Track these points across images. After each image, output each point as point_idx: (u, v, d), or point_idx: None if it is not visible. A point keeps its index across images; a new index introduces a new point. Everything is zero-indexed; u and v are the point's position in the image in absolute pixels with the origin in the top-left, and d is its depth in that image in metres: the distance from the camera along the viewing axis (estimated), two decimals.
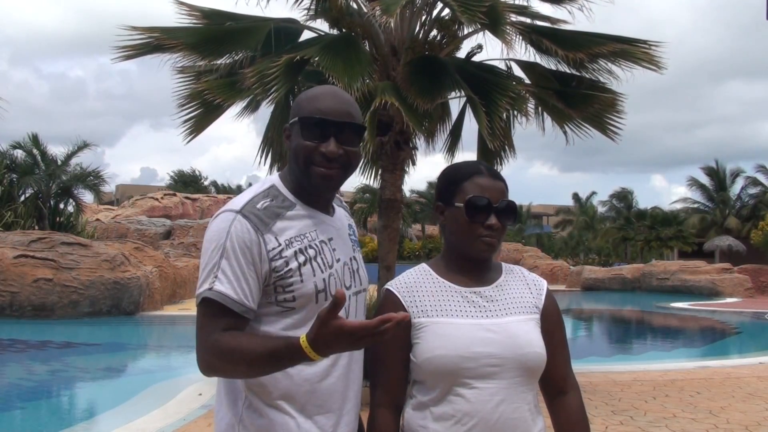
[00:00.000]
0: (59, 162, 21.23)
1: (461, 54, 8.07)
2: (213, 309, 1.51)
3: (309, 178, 1.61)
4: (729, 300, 23.02)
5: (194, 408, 6.39)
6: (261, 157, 7.93)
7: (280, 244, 1.55)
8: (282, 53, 6.46)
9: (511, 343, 1.63)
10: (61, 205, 21.37)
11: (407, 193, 36.93)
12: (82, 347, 11.65)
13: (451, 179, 1.75)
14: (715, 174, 39.75)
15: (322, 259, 1.61)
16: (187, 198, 32.98)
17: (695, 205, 40.82)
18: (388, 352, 1.67)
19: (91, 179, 21.64)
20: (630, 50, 7.19)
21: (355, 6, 7.58)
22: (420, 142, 8.16)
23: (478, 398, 1.60)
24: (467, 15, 5.98)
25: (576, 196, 49.85)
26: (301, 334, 1.40)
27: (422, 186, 40.42)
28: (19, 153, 20.91)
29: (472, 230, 1.67)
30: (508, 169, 8.63)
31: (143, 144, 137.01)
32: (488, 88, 6.87)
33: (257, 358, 1.44)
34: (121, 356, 11.29)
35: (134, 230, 26.12)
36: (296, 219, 1.61)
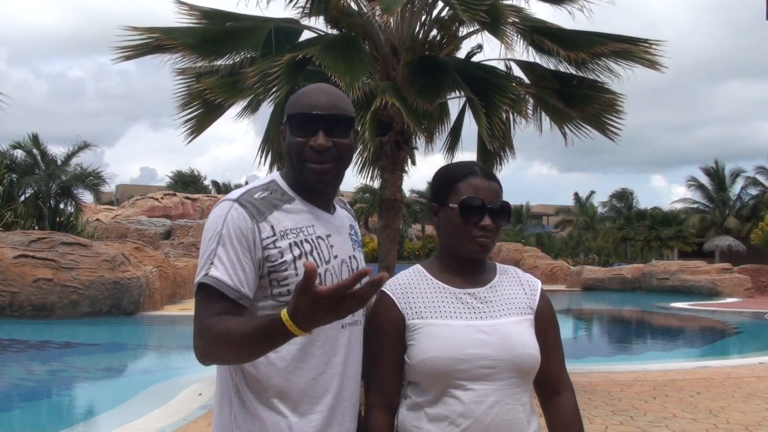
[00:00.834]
0: (59, 162, 21.23)
1: (461, 54, 8.08)
2: (209, 295, 1.51)
3: (303, 174, 1.62)
4: (729, 300, 23.01)
5: (194, 408, 6.39)
6: (261, 156, 7.94)
7: (274, 234, 1.56)
8: (283, 53, 6.46)
9: (505, 345, 1.63)
10: (61, 205, 21.36)
11: (407, 193, 36.98)
12: (82, 347, 11.65)
13: (445, 180, 1.75)
14: (715, 174, 39.76)
15: (318, 254, 1.61)
16: (187, 198, 32.98)
17: (695, 206, 40.84)
18: (382, 353, 1.67)
19: (91, 179, 21.64)
20: (631, 50, 7.20)
21: (354, 6, 7.59)
22: (420, 142, 8.17)
23: (473, 400, 1.60)
24: (468, 14, 5.98)
25: (576, 196, 49.89)
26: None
27: (422, 186, 40.50)
28: (19, 153, 20.93)
29: (466, 231, 1.68)
30: (507, 169, 8.64)
31: (142, 144, 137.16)
32: (488, 89, 6.87)
33: (243, 339, 1.43)
34: (121, 356, 11.29)
35: (134, 230, 26.11)
36: (294, 212, 1.62)
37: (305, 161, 1.61)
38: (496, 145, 6.83)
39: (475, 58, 7.93)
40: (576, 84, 7.74)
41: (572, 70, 7.72)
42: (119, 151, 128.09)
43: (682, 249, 37.94)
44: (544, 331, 1.73)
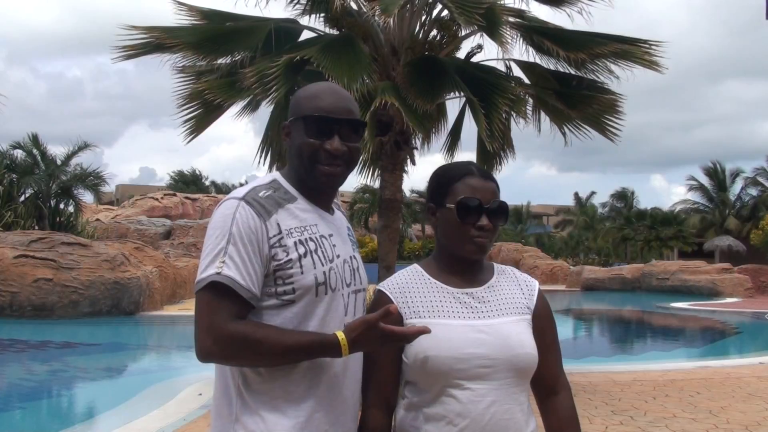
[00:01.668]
0: (59, 162, 21.23)
1: (461, 54, 8.08)
2: (220, 294, 1.50)
3: (313, 176, 1.63)
4: (729, 300, 22.99)
5: (194, 408, 6.39)
6: (260, 156, 7.94)
7: (280, 232, 1.56)
8: (282, 53, 6.46)
9: (502, 344, 1.63)
10: (61, 205, 21.36)
11: (407, 193, 36.96)
12: (82, 347, 11.65)
13: (442, 180, 1.75)
14: (715, 174, 39.78)
15: (322, 252, 1.61)
16: (187, 198, 32.99)
17: (695, 206, 40.86)
18: (380, 353, 1.67)
19: (91, 179, 21.64)
20: (630, 50, 7.20)
21: (354, 6, 7.59)
22: (419, 142, 8.16)
23: (470, 399, 1.60)
24: (464, 17, 5.99)
25: (576, 196, 49.89)
26: (303, 328, 1.53)
27: (422, 186, 40.40)
28: (19, 153, 20.93)
29: (464, 231, 1.68)
30: (506, 169, 8.64)
31: (142, 144, 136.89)
32: (488, 90, 6.87)
33: (286, 351, 1.51)
34: (121, 356, 11.29)
35: (134, 230, 26.12)
36: (298, 211, 1.62)
37: (317, 163, 1.61)
38: (495, 145, 6.83)
39: (475, 58, 7.93)
40: (576, 84, 7.74)
41: (572, 71, 7.72)
42: (118, 151, 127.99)
43: (682, 249, 37.93)
44: (541, 331, 1.74)
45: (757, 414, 6.29)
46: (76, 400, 8.29)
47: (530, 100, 7.95)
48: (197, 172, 52.08)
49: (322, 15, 7.64)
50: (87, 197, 23.17)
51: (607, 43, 7.14)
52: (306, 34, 7.71)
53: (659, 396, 7.09)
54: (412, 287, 1.72)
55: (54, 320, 13.49)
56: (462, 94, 7.14)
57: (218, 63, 7.24)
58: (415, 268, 1.79)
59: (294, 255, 1.56)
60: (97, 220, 27.34)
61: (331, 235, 1.66)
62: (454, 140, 8.89)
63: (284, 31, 7.27)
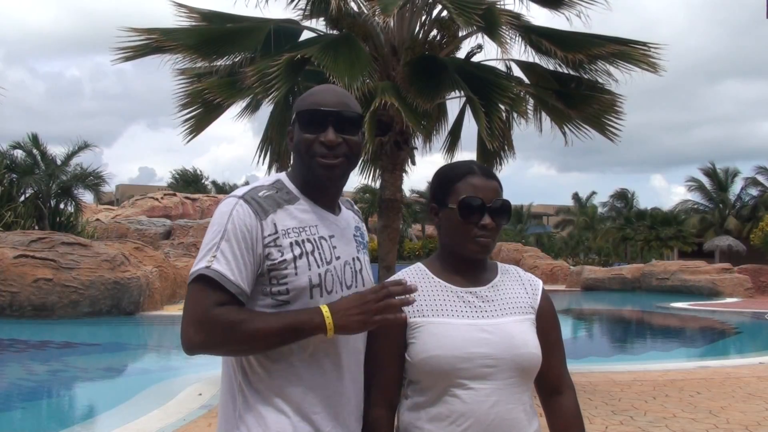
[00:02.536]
0: (59, 162, 21.22)
1: (461, 54, 8.09)
2: (208, 287, 1.52)
3: (312, 170, 1.63)
4: (729, 300, 22.99)
5: (194, 408, 6.38)
6: (260, 156, 7.94)
7: (276, 232, 1.57)
8: (282, 53, 6.46)
9: (506, 344, 1.63)
10: (61, 205, 21.36)
11: (407, 193, 36.96)
12: (82, 347, 11.64)
13: (444, 180, 1.75)
14: (715, 174, 39.79)
15: (319, 254, 1.61)
16: (187, 198, 32.96)
17: (695, 206, 40.87)
18: (383, 352, 1.67)
19: (91, 179, 21.64)
20: (628, 51, 7.20)
21: (354, 6, 7.59)
22: (419, 142, 8.17)
23: (474, 399, 1.60)
24: (463, 18, 6.00)
25: (576, 196, 49.89)
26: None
27: (422, 186, 40.43)
28: (19, 153, 20.92)
29: (466, 231, 1.67)
30: (506, 169, 8.64)
31: (141, 144, 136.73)
32: (488, 89, 6.88)
33: (270, 330, 1.50)
34: (121, 356, 11.28)
35: (134, 230, 26.09)
36: (297, 212, 1.62)
37: (314, 156, 1.62)
38: (495, 144, 6.83)
39: (475, 58, 7.94)
40: (575, 85, 7.74)
41: (571, 72, 7.73)
42: (117, 151, 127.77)
43: (682, 249, 37.93)
44: (545, 330, 1.73)
45: (757, 414, 6.29)
46: (76, 400, 8.29)
47: (530, 100, 7.95)
48: (198, 171, 52.03)
49: (321, 18, 7.65)
50: (87, 197, 23.18)
51: (605, 44, 7.15)
52: (306, 35, 7.72)
53: (659, 396, 7.09)
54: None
55: (54, 320, 13.48)
56: (462, 93, 7.15)
57: (218, 64, 7.25)
58: (419, 267, 1.79)
59: (289, 256, 1.56)
60: (97, 220, 27.30)
61: (332, 237, 1.66)
62: (454, 140, 8.90)
63: (284, 31, 7.28)
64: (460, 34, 7.79)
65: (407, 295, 1.54)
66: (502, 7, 7.05)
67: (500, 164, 8.37)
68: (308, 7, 7.63)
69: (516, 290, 1.75)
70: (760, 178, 38.62)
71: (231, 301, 1.52)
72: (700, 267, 26.05)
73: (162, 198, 32.20)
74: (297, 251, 1.57)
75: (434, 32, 7.78)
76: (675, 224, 38.31)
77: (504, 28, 6.37)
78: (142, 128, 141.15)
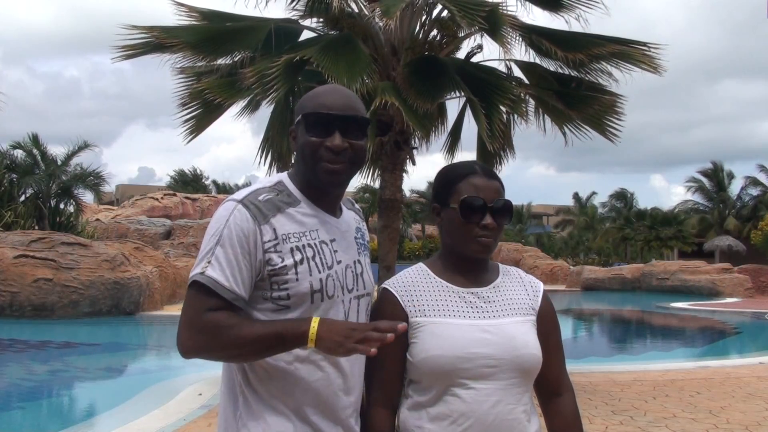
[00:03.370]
0: (59, 162, 21.22)
1: (461, 54, 8.08)
2: (202, 293, 1.52)
3: (316, 174, 1.61)
4: (729, 300, 23.00)
5: (194, 408, 6.38)
6: (261, 157, 7.94)
7: (276, 237, 1.55)
8: (282, 53, 6.46)
9: (507, 345, 1.64)
10: (61, 205, 21.36)
11: (407, 193, 36.95)
12: (82, 347, 11.64)
13: (446, 180, 1.75)
14: (715, 174, 39.81)
15: (320, 259, 1.59)
16: (187, 198, 32.96)
17: (695, 206, 40.87)
18: (384, 351, 1.66)
19: (91, 179, 21.63)
20: (628, 51, 7.20)
21: (354, 6, 7.59)
22: (419, 142, 8.17)
23: (475, 399, 1.60)
24: (467, 19, 5.99)
25: (576, 196, 49.89)
26: None
27: (422, 186, 40.45)
28: (19, 153, 20.92)
29: (468, 231, 1.67)
30: (505, 169, 8.63)
31: (140, 143, 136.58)
32: (488, 90, 6.88)
33: (256, 338, 1.48)
34: (121, 356, 11.28)
35: (134, 230, 26.09)
36: (298, 216, 1.61)
37: (319, 161, 1.59)
38: (495, 145, 6.83)
39: (475, 59, 7.94)
40: (575, 86, 7.74)
41: (571, 72, 7.73)
42: (117, 151, 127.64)
43: (682, 249, 37.94)
44: (545, 332, 1.74)
45: (757, 414, 6.29)
46: (76, 400, 8.29)
47: (531, 101, 7.95)
48: (198, 171, 52.02)
49: (321, 19, 7.64)
50: (87, 197, 23.17)
51: (605, 44, 7.15)
52: (306, 35, 7.72)
53: (659, 396, 7.09)
54: (417, 286, 1.72)
55: (54, 320, 13.48)
56: (462, 94, 7.14)
57: (218, 63, 7.25)
58: (421, 267, 1.79)
59: (289, 261, 1.55)
60: (97, 220, 27.31)
61: (333, 240, 1.65)
62: (454, 140, 8.90)
63: (284, 31, 7.28)
64: (461, 35, 7.79)
65: (387, 334, 1.45)
66: (505, 10, 7.04)
67: (500, 164, 8.37)
68: (308, 7, 7.62)
69: (517, 291, 1.75)
70: (761, 178, 38.66)
71: (225, 306, 1.52)
72: (700, 267, 26.06)
73: (162, 198, 32.19)
74: (298, 256, 1.56)
75: (434, 32, 7.78)
76: (675, 224, 38.32)
77: (506, 28, 6.36)
78: (141, 128, 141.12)
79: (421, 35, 7.72)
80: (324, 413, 1.58)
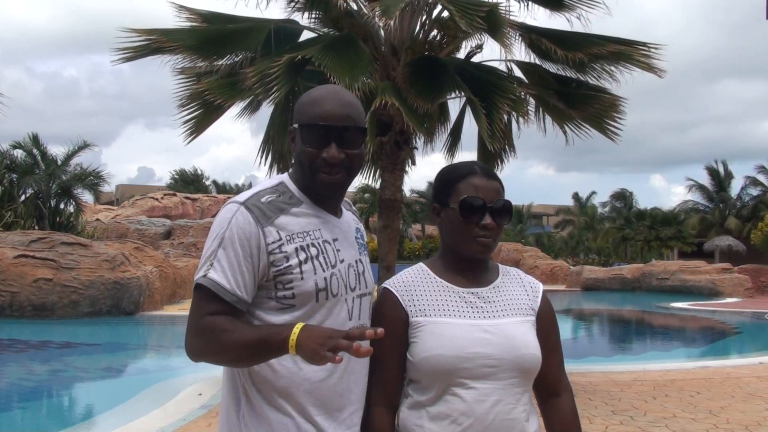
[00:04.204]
0: (59, 162, 21.22)
1: (461, 54, 8.08)
2: (205, 296, 1.53)
3: (314, 184, 1.63)
4: (729, 300, 22.99)
5: (194, 408, 6.39)
6: (261, 157, 7.94)
7: (280, 238, 1.56)
8: (282, 53, 6.46)
9: (507, 344, 1.64)
10: (61, 205, 21.36)
11: (407, 193, 36.94)
12: (82, 347, 11.65)
13: (446, 180, 1.76)
14: (715, 174, 39.81)
15: (324, 258, 1.61)
16: (187, 198, 32.96)
17: (695, 206, 40.87)
18: (385, 351, 1.67)
19: (91, 179, 21.63)
20: (628, 52, 7.21)
21: (354, 6, 7.59)
22: (420, 142, 8.17)
23: (474, 398, 1.61)
24: (466, 20, 5.99)
25: (576, 196, 49.88)
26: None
27: (422, 186, 40.44)
28: (19, 153, 20.92)
29: (468, 231, 1.68)
30: (505, 169, 8.63)
31: (139, 143, 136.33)
32: (488, 90, 6.88)
33: (248, 344, 1.48)
34: (121, 356, 11.28)
35: (134, 230, 26.10)
36: (301, 216, 1.62)
37: (316, 171, 1.61)
38: (496, 145, 6.83)
39: (475, 59, 7.94)
40: (576, 85, 7.74)
41: (571, 73, 7.73)
42: (116, 151, 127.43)
43: (682, 249, 37.93)
44: (544, 332, 1.74)
45: (757, 414, 6.29)
46: (76, 400, 8.29)
47: (531, 101, 7.95)
48: (199, 171, 51.98)
49: (320, 14, 7.63)
50: (87, 197, 23.17)
51: (605, 44, 7.15)
52: (306, 35, 7.72)
53: (659, 396, 7.09)
54: (417, 285, 1.73)
55: (54, 320, 13.48)
56: (462, 94, 7.14)
57: (218, 64, 7.25)
58: (421, 267, 1.79)
59: (294, 261, 1.56)
60: (97, 220, 27.31)
61: (335, 240, 1.66)
62: (454, 140, 8.90)
63: (284, 31, 7.28)
64: (461, 35, 7.78)
65: (353, 343, 1.37)
66: (505, 10, 7.04)
67: (501, 164, 8.37)
68: (308, 7, 7.62)
69: (517, 292, 1.76)
70: (761, 178, 38.65)
71: (227, 310, 1.53)
72: (700, 267, 26.05)
73: (162, 198, 32.20)
74: (302, 256, 1.57)
75: (434, 32, 7.78)
76: (675, 224, 38.31)
77: (506, 28, 6.36)
78: (140, 128, 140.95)
79: (421, 35, 7.72)
80: (327, 413, 1.59)
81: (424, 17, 7.77)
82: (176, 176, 50.61)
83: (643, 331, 17.85)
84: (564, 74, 7.78)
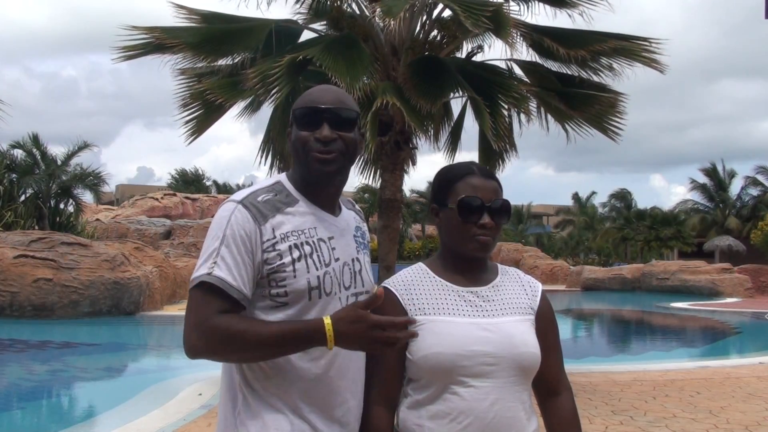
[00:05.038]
0: (59, 162, 21.22)
1: (462, 54, 8.08)
2: (210, 293, 1.53)
3: (308, 165, 1.63)
4: (729, 300, 22.99)
5: (194, 408, 6.39)
6: (261, 157, 7.95)
7: (274, 237, 1.57)
8: (283, 53, 6.47)
9: (507, 343, 1.65)
10: (61, 205, 21.36)
11: (407, 193, 36.95)
12: (82, 347, 11.64)
13: (444, 180, 1.76)
14: (715, 174, 39.80)
15: (318, 256, 1.61)
16: (187, 198, 32.99)
17: (695, 206, 40.87)
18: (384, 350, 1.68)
19: (91, 179, 21.64)
20: (630, 47, 7.21)
21: (355, 7, 7.59)
22: (420, 142, 8.17)
23: (474, 397, 1.61)
24: (472, 20, 6.00)
25: (576, 196, 49.88)
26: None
27: (422, 186, 40.43)
28: (19, 153, 20.93)
29: (466, 230, 1.69)
30: (505, 169, 8.63)
31: (139, 143, 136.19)
32: (491, 89, 6.88)
33: (270, 341, 1.50)
34: (121, 356, 11.28)
35: (134, 230, 26.11)
36: (296, 215, 1.63)
37: (310, 152, 1.62)
38: (501, 144, 6.84)
39: (476, 59, 7.94)
40: (577, 84, 7.73)
41: (573, 71, 7.72)
42: (115, 151, 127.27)
43: (682, 249, 37.92)
44: (544, 332, 1.75)
45: (757, 414, 6.29)
46: (76, 400, 8.29)
47: (533, 99, 7.95)
48: (199, 171, 51.96)
49: (324, 21, 7.65)
50: (87, 197, 23.18)
51: (607, 40, 7.15)
52: (306, 35, 7.72)
53: (659, 396, 7.09)
54: (417, 284, 1.73)
55: (54, 320, 13.47)
56: (463, 93, 7.14)
57: (219, 64, 7.25)
58: (420, 266, 1.80)
59: (287, 259, 1.57)
60: (97, 220, 27.33)
61: (331, 238, 1.66)
62: (454, 140, 8.90)
63: (285, 31, 7.28)
64: (461, 35, 7.78)
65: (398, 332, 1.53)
66: (508, 9, 7.03)
67: (502, 164, 8.37)
68: (312, 9, 7.63)
69: (516, 291, 1.77)
70: (761, 178, 38.66)
71: (233, 307, 1.53)
72: (700, 267, 26.05)
73: (162, 198, 32.22)
74: (296, 254, 1.58)
75: (434, 32, 7.78)
76: (675, 224, 38.30)
77: (510, 27, 6.36)
78: (140, 128, 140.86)
79: (421, 35, 7.72)
80: (322, 411, 1.59)
81: (425, 17, 7.77)
82: (176, 176, 50.62)
83: (643, 331, 17.85)
84: (565, 72, 7.78)
